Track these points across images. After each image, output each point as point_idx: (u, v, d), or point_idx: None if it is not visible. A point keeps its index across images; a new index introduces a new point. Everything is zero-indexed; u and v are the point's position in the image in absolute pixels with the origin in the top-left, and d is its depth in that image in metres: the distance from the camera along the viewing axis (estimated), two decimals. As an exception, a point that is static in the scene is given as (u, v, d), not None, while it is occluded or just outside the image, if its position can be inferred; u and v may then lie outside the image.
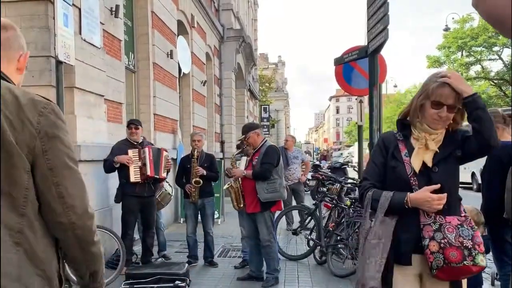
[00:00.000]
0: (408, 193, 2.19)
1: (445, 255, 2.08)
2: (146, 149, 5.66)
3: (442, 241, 2.10)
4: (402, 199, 2.18)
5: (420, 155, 2.24)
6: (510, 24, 0.62)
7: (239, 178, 5.32)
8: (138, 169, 5.61)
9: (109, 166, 5.61)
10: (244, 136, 5.35)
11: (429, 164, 2.23)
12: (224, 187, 5.77)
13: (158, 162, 5.79)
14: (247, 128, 5.40)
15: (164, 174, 5.91)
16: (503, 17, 0.63)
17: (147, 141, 6.18)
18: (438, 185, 2.15)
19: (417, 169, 2.22)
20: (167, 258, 6.34)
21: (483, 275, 4.29)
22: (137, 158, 5.63)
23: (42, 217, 1.38)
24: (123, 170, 5.62)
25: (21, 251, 1.31)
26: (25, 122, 1.33)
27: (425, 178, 2.22)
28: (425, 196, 2.13)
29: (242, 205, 5.35)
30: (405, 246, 2.19)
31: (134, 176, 5.58)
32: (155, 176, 5.69)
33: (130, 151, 5.61)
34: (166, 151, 6.16)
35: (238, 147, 6.74)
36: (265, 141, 5.38)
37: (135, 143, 5.75)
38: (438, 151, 2.24)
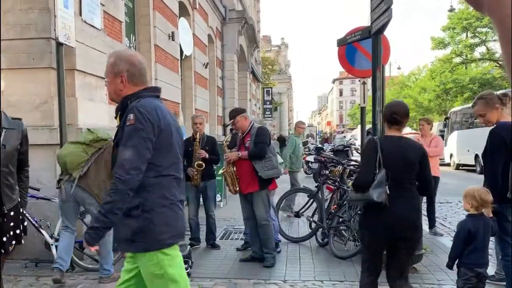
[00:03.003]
0: None
1: None
2: None
3: None
4: None
5: None
6: None
7: (233, 162, 5.34)
8: None
9: None
10: (232, 120, 5.41)
11: None
12: (219, 172, 5.78)
13: None
14: (235, 113, 5.45)
15: None
16: None
17: None
18: None
19: None
20: None
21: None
22: None
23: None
24: None
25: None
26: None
27: None
28: None
29: (238, 189, 5.39)
30: None
31: None
32: None
33: None
34: None
35: (231, 130, 6.73)
36: (253, 124, 5.45)
37: None
38: None
